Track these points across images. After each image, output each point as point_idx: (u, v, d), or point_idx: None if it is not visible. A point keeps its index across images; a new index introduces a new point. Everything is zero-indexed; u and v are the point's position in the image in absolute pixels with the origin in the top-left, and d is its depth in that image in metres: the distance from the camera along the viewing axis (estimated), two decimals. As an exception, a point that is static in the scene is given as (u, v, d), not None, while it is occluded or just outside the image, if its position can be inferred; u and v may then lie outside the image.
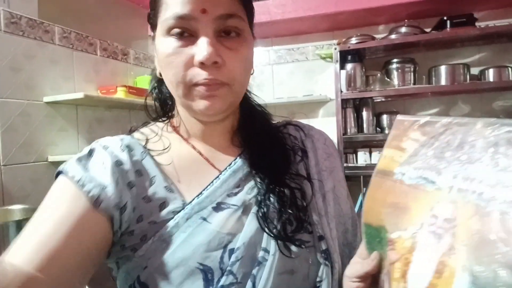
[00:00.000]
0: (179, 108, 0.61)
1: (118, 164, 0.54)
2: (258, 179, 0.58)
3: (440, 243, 0.35)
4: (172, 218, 0.52)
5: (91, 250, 0.49)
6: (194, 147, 0.61)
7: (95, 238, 0.49)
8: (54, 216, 0.49)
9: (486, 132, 0.36)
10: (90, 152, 0.55)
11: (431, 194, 0.38)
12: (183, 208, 0.53)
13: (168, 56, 0.53)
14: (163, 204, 0.53)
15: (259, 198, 0.55)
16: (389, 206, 0.42)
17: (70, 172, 0.51)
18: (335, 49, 2.03)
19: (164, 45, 0.53)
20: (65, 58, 1.85)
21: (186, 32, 0.52)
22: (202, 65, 0.51)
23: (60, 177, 0.53)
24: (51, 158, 1.73)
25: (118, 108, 2.14)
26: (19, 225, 1.29)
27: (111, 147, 0.55)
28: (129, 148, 0.57)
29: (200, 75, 0.51)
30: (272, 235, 0.53)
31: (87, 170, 0.52)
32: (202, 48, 0.50)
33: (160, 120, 0.65)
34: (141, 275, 0.50)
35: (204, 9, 0.50)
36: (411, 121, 0.43)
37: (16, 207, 1.48)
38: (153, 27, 0.57)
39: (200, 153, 0.60)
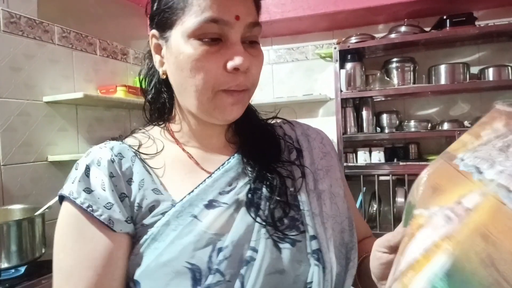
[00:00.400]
0: (181, 110, 0.61)
1: (111, 176, 0.54)
2: (249, 168, 0.58)
3: (446, 227, 0.35)
4: (162, 217, 0.53)
5: (125, 265, 0.53)
6: (188, 150, 0.61)
7: (125, 255, 0.53)
8: (84, 259, 0.51)
9: None
10: (87, 172, 0.55)
11: (471, 184, 0.36)
12: (173, 207, 0.54)
13: (197, 60, 0.51)
14: (153, 207, 0.54)
15: (249, 186, 0.56)
16: (431, 186, 0.41)
17: (78, 199, 0.52)
18: (335, 48, 2.03)
19: (189, 47, 0.51)
20: (64, 57, 1.85)
21: (214, 35, 0.51)
22: (235, 71, 0.51)
23: (68, 206, 0.54)
24: (51, 158, 1.73)
25: (118, 108, 2.14)
26: (19, 224, 1.28)
27: (103, 162, 0.55)
28: (120, 156, 0.57)
29: (232, 80, 0.52)
30: (260, 222, 0.53)
31: (91, 193, 0.53)
32: (238, 54, 0.51)
33: (157, 124, 0.65)
34: (135, 273, 0.51)
35: (238, 16, 0.51)
36: (505, 111, 0.40)
37: (16, 206, 1.48)
38: (165, 26, 0.54)
39: (191, 156, 0.60)
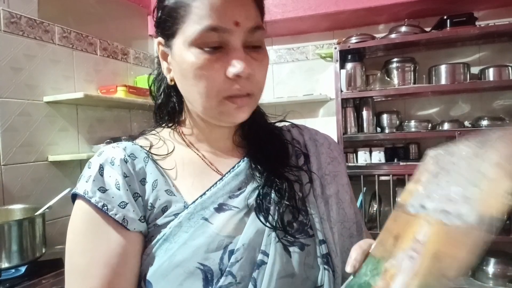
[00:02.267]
0: (190, 114, 0.61)
1: (125, 176, 0.55)
2: (257, 173, 0.59)
3: (412, 266, 0.36)
4: (175, 218, 0.54)
5: (138, 266, 0.54)
6: (198, 151, 0.61)
7: (140, 253, 0.54)
8: (99, 257, 0.52)
9: (471, 151, 0.37)
10: (101, 171, 0.55)
11: (420, 220, 0.38)
12: (185, 209, 0.54)
13: (200, 69, 0.51)
14: (165, 208, 0.55)
15: (258, 191, 0.57)
16: (393, 237, 0.42)
17: (93, 198, 0.52)
18: (335, 48, 2.03)
19: (191, 56, 0.52)
20: (65, 57, 1.85)
21: (215, 43, 0.51)
22: (237, 77, 0.51)
23: (82, 204, 0.54)
24: (52, 158, 1.73)
25: (118, 108, 2.14)
26: (20, 224, 1.29)
27: (116, 161, 0.56)
28: (132, 157, 0.57)
29: (235, 87, 0.52)
30: (270, 226, 0.54)
31: (105, 192, 0.53)
32: (238, 60, 0.51)
33: (166, 126, 0.65)
34: (147, 273, 0.52)
35: (237, 21, 0.50)
36: (434, 154, 0.43)
37: (17, 206, 1.48)
38: (168, 34, 0.55)
39: (204, 157, 0.61)
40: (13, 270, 1.31)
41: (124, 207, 0.52)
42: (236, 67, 0.50)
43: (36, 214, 1.37)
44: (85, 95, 1.69)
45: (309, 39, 2.43)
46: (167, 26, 0.55)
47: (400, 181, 1.96)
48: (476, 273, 1.76)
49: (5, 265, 1.26)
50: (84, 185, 0.54)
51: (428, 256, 0.35)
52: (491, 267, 1.72)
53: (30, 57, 1.67)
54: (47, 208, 1.39)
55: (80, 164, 1.86)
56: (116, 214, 0.52)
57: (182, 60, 0.53)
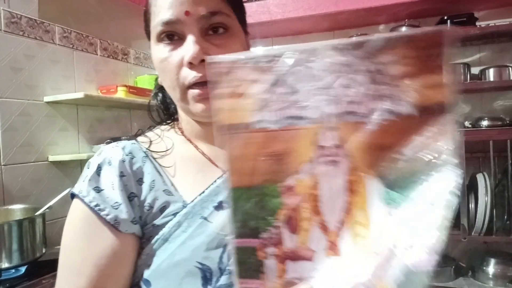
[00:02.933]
0: (180, 111, 0.62)
1: (121, 176, 0.55)
2: None
3: (339, 168, 0.38)
4: (174, 218, 0.53)
5: (131, 266, 0.54)
6: (197, 148, 0.61)
7: (131, 256, 0.54)
8: (89, 257, 0.52)
9: (331, 54, 0.37)
10: (98, 171, 0.55)
11: (306, 129, 0.38)
12: (184, 208, 0.54)
13: (162, 62, 0.54)
14: (164, 208, 0.55)
15: None
16: (266, 158, 0.40)
17: (87, 197, 0.53)
18: (336, 48, 2.03)
19: (156, 51, 0.55)
20: (65, 57, 1.85)
21: (175, 35, 0.53)
22: (191, 65, 0.52)
23: (78, 203, 0.54)
24: (52, 158, 1.73)
25: (119, 108, 2.14)
26: (20, 224, 1.29)
27: (113, 161, 0.56)
28: (131, 156, 0.58)
29: (190, 75, 0.52)
30: None
31: (100, 192, 0.54)
32: (188, 48, 0.52)
33: (165, 123, 0.66)
34: (145, 272, 0.52)
35: (187, 11, 0.51)
36: (228, 61, 0.39)
37: (17, 206, 1.49)
38: (148, 36, 0.59)
39: (204, 153, 0.61)
40: (13, 270, 1.31)
41: (117, 208, 0.53)
42: (186, 55, 0.52)
43: (36, 214, 1.37)
44: (85, 95, 1.69)
45: (310, 39, 2.43)
46: (145, 29, 0.59)
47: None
48: (476, 273, 1.76)
49: (5, 265, 1.26)
50: (80, 185, 0.55)
51: (360, 150, 0.37)
52: (491, 267, 1.72)
53: (30, 57, 1.67)
54: (47, 208, 1.39)
55: (80, 164, 1.86)
56: (108, 215, 0.52)
57: (153, 57, 0.57)
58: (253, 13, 2.16)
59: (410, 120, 0.36)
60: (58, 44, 1.82)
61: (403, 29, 1.97)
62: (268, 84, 0.39)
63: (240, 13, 0.59)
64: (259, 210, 0.41)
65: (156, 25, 0.54)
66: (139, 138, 0.62)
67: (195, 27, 0.52)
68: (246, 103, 0.40)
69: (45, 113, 1.74)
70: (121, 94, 1.96)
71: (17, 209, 1.47)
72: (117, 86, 1.98)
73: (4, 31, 1.56)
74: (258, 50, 0.40)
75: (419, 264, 0.36)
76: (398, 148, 0.37)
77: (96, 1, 2.09)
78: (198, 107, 0.54)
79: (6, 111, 1.57)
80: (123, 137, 0.63)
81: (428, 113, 0.36)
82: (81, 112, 1.92)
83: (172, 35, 0.53)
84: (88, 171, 0.56)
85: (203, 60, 0.51)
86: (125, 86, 2.00)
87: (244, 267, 0.41)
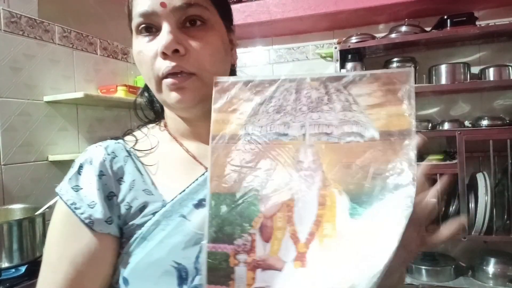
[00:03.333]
0: (165, 108, 0.62)
1: (101, 175, 0.56)
2: None
3: (314, 182, 0.43)
4: (153, 217, 0.54)
5: (109, 266, 0.54)
6: (182, 145, 0.61)
7: (107, 256, 0.54)
8: (66, 255, 0.53)
9: (315, 84, 0.44)
10: (79, 170, 0.57)
11: (288, 145, 0.44)
12: (163, 207, 0.54)
13: (138, 54, 0.55)
14: (143, 207, 0.55)
15: None
16: (248, 168, 0.44)
17: (65, 195, 0.54)
18: (335, 48, 2.03)
19: (135, 44, 0.56)
20: (65, 57, 1.85)
21: (152, 27, 0.54)
22: (165, 55, 0.52)
23: (60, 201, 0.56)
24: (52, 158, 1.73)
25: (118, 108, 2.14)
26: (20, 224, 1.29)
27: (94, 160, 0.57)
28: (113, 155, 0.58)
29: (164, 65, 0.52)
30: None
31: (77, 191, 0.55)
32: (162, 38, 0.52)
33: (152, 121, 0.67)
34: (124, 271, 0.52)
35: (163, 2, 0.51)
36: (231, 82, 0.46)
37: (17, 206, 1.48)
38: (131, 32, 0.58)
39: (188, 151, 0.60)
40: (13, 270, 1.31)
41: (93, 207, 0.53)
42: (159, 44, 0.52)
43: (36, 214, 1.37)
44: (85, 95, 1.69)
45: (309, 39, 2.43)
46: (128, 25, 0.58)
47: (400, 181, 1.96)
48: (476, 272, 1.76)
49: (5, 265, 1.26)
50: (62, 183, 0.56)
51: (332, 167, 0.43)
52: (491, 267, 1.72)
53: (30, 56, 1.67)
54: (47, 208, 1.39)
55: (80, 164, 1.86)
56: (82, 214, 0.53)
57: (133, 50, 0.57)
58: (253, 12, 2.16)
59: (373, 143, 0.42)
60: (58, 44, 1.82)
61: (403, 28, 1.97)
62: (260, 103, 0.45)
63: (222, 9, 0.58)
64: (236, 216, 0.43)
65: (134, 17, 0.54)
66: (127, 138, 0.62)
67: (171, 18, 0.52)
68: (238, 117, 0.45)
69: (45, 113, 1.74)
70: (121, 93, 1.96)
71: (17, 209, 1.47)
72: (117, 86, 1.98)
73: (4, 30, 1.56)
74: (257, 75, 0.46)
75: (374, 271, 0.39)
76: (363, 167, 0.42)
77: (96, 1, 2.09)
78: (173, 96, 0.54)
79: (6, 111, 1.56)
80: (109, 137, 0.63)
81: (389, 137, 0.42)
82: (81, 112, 1.92)
83: (150, 27, 0.54)
84: (71, 170, 0.57)
85: (176, 50, 0.51)
86: (125, 85, 2.00)
87: (214, 273, 0.42)
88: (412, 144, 0.41)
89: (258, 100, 0.45)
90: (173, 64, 0.52)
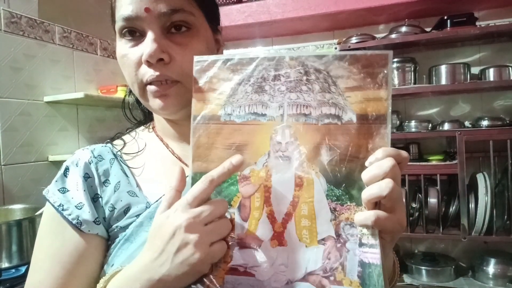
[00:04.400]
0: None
1: (86, 177, 0.56)
2: None
3: (291, 163, 0.43)
4: (137, 219, 0.54)
5: (97, 266, 0.54)
6: (168, 147, 0.61)
7: (95, 256, 0.54)
8: (54, 255, 0.53)
9: (295, 64, 0.44)
10: (65, 172, 0.57)
11: (266, 125, 0.44)
12: (147, 208, 0.54)
13: (122, 58, 0.54)
14: (127, 209, 0.55)
15: None
16: (227, 148, 0.44)
17: (51, 197, 0.55)
18: (336, 48, 2.03)
19: (118, 47, 0.55)
20: (65, 57, 1.85)
21: (136, 32, 0.53)
22: (149, 63, 0.51)
23: (47, 203, 0.56)
24: (52, 158, 1.73)
25: (119, 108, 2.13)
26: (20, 224, 1.28)
27: (80, 163, 0.57)
28: (99, 158, 0.58)
29: (148, 73, 0.52)
30: None
31: (64, 193, 0.55)
32: (146, 46, 0.51)
33: (141, 122, 0.67)
34: (109, 272, 0.52)
35: (147, 7, 0.50)
36: (210, 61, 0.46)
37: (17, 206, 1.48)
38: (115, 32, 0.58)
39: (173, 153, 0.61)
40: (13, 270, 1.31)
41: (80, 209, 0.53)
42: (144, 52, 0.51)
43: (36, 214, 1.37)
44: (85, 95, 1.69)
45: (309, 39, 2.43)
46: (112, 23, 0.58)
47: (401, 181, 1.96)
48: (476, 273, 1.76)
49: (5, 265, 1.26)
50: (50, 186, 0.56)
51: (309, 148, 0.43)
52: (491, 267, 1.72)
53: (30, 57, 1.67)
54: (47, 208, 1.38)
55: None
56: (70, 215, 0.53)
57: (116, 52, 0.56)
58: (253, 13, 2.16)
59: (350, 125, 0.43)
60: (58, 44, 1.82)
61: (403, 29, 1.97)
62: (239, 83, 0.45)
63: (209, 11, 0.57)
64: (216, 195, 0.45)
65: (117, 20, 0.53)
66: (115, 141, 0.63)
67: (155, 24, 0.51)
68: (217, 97, 0.45)
69: (45, 113, 1.74)
70: (121, 94, 1.96)
71: (17, 209, 1.47)
72: (117, 86, 1.98)
73: (4, 31, 1.56)
74: (237, 53, 0.46)
75: (369, 258, 0.41)
76: (340, 149, 0.43)
77: (96, 1, 2.09)
78: (156, 103, 0.54)
79: (6, 111, 1.56)
80: (110, 138, 0.64)
81: (366, 121, 0.42)
82: (81, 112, 1.92)
83: (133, 31, 0.53)
84: (58, 173, 0.57)
85: (161, 59, 0.51)
86: (125, 86, 1.99)
87: None
88: (387, 129, 0.42)
89: (237, 79, 0.45)
90: (157, 73, 0.51)
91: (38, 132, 1.70)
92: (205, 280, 0.42)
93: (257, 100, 0.44)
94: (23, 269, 1.32)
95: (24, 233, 1.29)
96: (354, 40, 2.05)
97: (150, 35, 0.51)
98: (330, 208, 0.43)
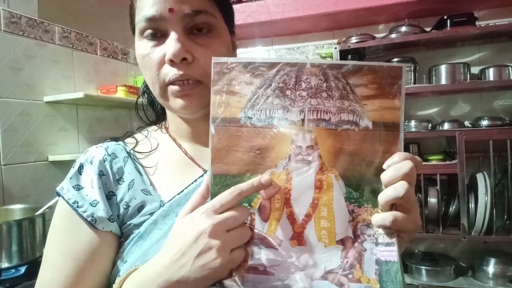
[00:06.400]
0: (165, 108, 0.63)
1: (101, 174, 0.56)
2: None
3: (311, 167, 0.45)
4: (151, 217, 0.54)
5: (109, 263, 0.55)
6: (181, 147, 0.62)
7: (108, 253, 0.55)
8: (68, 251, 0.53)
9: (315, 71, 0.45)
10: (80, 170, 0.57)
11: (287, 129, 0.45)
12: (161, 207, 0.55)
13: (143, 58, 0.54)
14: (141, 207, 0.56)
15: None
16: (248, 151, 0.46)
17: (66, 194, 0.55)
18: (335, 48, 2.03)
19: (139, 47, 0.55)
20: (65, 57, 1.85)
21: (158, 32, 0.53)
22: (172, 62, 0.52)
23: (61, 200, 0.56)
24: (52, 158, 1.73)
25: (118, 108, 2.14)
26: (20, 224, 1.28)
27: (94, 160, 0.58)
28: (113, 156, 0.59)
29: (171, 72, 0.53)
30: None
31: (79, 190, 0.55)
32: (170, 45, 0.52)
33: (153, 124, 0.67)
34: (122, 269, 0.53)
35: (171, 8, 0.51)
36: (231, 63, 0.46)
37: (17, 206, 1.48)
38: (133, 32, 0.58)
39: (186, 153, 0.61)
40: (13, 270, 1.31)
41: (95, 206, 0.54)
42: (167, 52, 0.52)
43: (36, 214, 1.37)
44: (85, 95, 1.69)
45: (309, 39, 2.43)
46: (130, 24, 0.58)
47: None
48: (476, 272, 1.76)
49: (5, 265, 1.26)
50: (63, 183, 0.57)
51: (328, 153, 0.45)
52: (491, 267, 1.72)
53: (30, 57, 1.67)
54: (47, 208, 1.39)
55: (80, 164, 1.86)
56: (85, 212, 0.53)
57: (136, 52, 0.57)
58: (253, 13, 2.16)
59: (367, 132, 0.45)
60: (58, 44, 1.82)
61: (403, 28, 1.97)
62: (259, 87, 0.46)
63: (227, 14, 0.58)
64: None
65: (139, 21, 0.53)
66: (127, 140, 0.63)
67: (179, 25, 0.52)
68: (238, 100, 0.46)
69: (45, 113, 1.74)
70: (121, 94, 1.96)
71: (17, 209, 1.47)
72: (117, 86, 1.98)
73: (4, 31, 1.56)
74: (258, 57, 0.46)
75: (386, 256, 0.43)
76: (358, 154, 0.45)
77: (96, 1, 2.09)
78: (178, 102, 0.54)
79: (5, 111, 1.56)
80: (110, 138, 0.64)
81: (381, 128, 0.45)
82: (81, 112, 1.92)
83: (155, 31, 0.53)
84: (72, 170, 0.58)
85: (184, 59, 0.51)
86: (125, 86, 2.00)
87: None
88: (400, 136, 0.45)
89: (258, 83, 0.46)
90: (181, 72, 0.52)
91: (38, 132, 1.70)
92: (225, 282, 0.44)
93: (278, 104, 0.45)
94: (23, 269, 1.32)
95: (24, 233, 1.29)
96: (354, 40, 2.05)
97: (173, 35, 0.52)
98: (348, 210, 0.45)
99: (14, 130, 1.60)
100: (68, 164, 1.79)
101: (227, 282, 0.43)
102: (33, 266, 1.34)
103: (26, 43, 1.65)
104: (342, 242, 0.45)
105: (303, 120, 0.45)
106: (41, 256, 1.34)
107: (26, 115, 1.65)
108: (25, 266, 1.32)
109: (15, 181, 1.59)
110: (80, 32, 1.94)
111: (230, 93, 0.46)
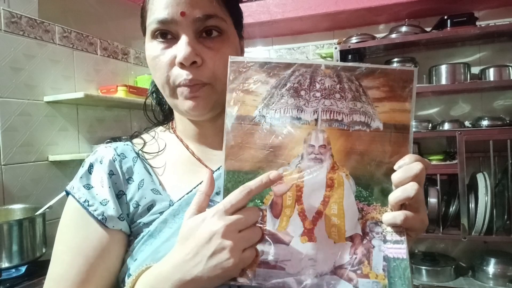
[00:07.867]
0: (173, 109, 0.63)
1: (111, 174, 0.58)
2: None
3: (323, 165, 0.47)
4: (160, 216, 0.55)
5: (118, 260, 0.56)
6: (188, 148, 0.63)
7: (118, 251, 0.56)
8: (78, 249, 0.54)
9: (330, 72, 0.47)
10: (90, 169, 0.59)
11: (300, 129, 0.47)
12: (170, 206, 0.56)
13: (154, 59, 0.55)
14: (151, 206, 0.57)
15: None
16: (261, 148, 0.47)
17: (76, 193, 0.56)
18: (336, 48, 2.03)
19: (150, 48, 0.56)
20: (65, 57, 1.85)
21: (169, 34, 0.54)
22: (182, 65, 0.53)
23: (70, 199, 0.57)
24: (52, 158, 1.73)
25: (119, 108, 2.14)
26: (20, 224, 1.29)
27: (104, 160, 0.59)
28: (122, 156, 0.60)
29: (181, 75, 0.53)
30: None
31: (89, 189, 0.57)
32: (180, 48, 0.52)
33: (160, 125, 0.68)
34: (131, 267, 0.54)
35: (183, 12, 0.52)
36: (247, 62, 0.48)
37: (17, 206, 1.49)
38: (144, 33, 0.59)
39: (193, 154, 0.62)
40: (13, 270, 1.31)
41: (105, 205, 0.55)
42: (178, 55, 0.52)
43: (36, 214, 1.37)
44: (85, 95, 1.69)
45: (309, 39, 2.43)
46: (141, 26, 0.59)
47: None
48: (476, 272, 1.76)
49: (5, 265, 1.26)
50: (73, 182, 0.58)
51: (340, 153, 0.47)
52: (491, 267, 1.72)
53: (30, 57, 1.67)
54: (47, 208, 1.39)
55: (80, 164, 1.85)
56: (95, 211, 0.54)
57: (146, 54, 0.57)
58: (253, 12, 2.16)
59: (378, 133, 0.47)
60: (58, 44, 1.82)
61: (403, 28, 1.97)
62: (275, 86, 0.47)
63: (236, 18, 0.59)
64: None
65: (151, 23, 0.54)
66: (134, 140, 0.64)
67: (190, 28, 0.53)
68: (254, 99, 0.47)
69: (45, 113, 1.74)
70: (121, 94, 1.96)
71: (17, 209, 1.47)
72: (117, 86, 1.98)
73: (4, 31, 1.56)
74: (274, 58, 0.49)
75: (394, 253, 0.45)
76: (368, 154, 0.47)
77: (96, 1, 2.09)
78: (187, 104, 0.55)
79: (6, 111, 1.56)
80: (123, 137, 0.65)
81: (391, 129, 0.46)
82: (81, 112, 1.92)
83: (166, 34, 0.54)
84: (81, 170, 0.59)
85: (194, 62, 0.52)
86: (125, 86, 2.00)
87: None
88: (410, 138, 0.46)
89: (273, 83, 0.47)
90: (190, 76, 0.53)
91: (38, 132, 1.70)
92: (238, 279, 0.45)
93: (293, 104, 0.47)
94: (23, 269, 1.32)
95: (24, 233, 1.29)
96: (354, 40, 2.05)
97: (184, 38, 0.53)
98: (358, 208, 0.47)
99: (14, 130, 1.60)
100: (68, 164, 1.79)
101: (238, 277, 0.45)
102: (33, 266, 1.34)
103: (26, 43, 1.65)
104: (351, 239, 0.46)
105: (316, 120, 0.46)
106: (41, 256, 1.35)
107: (26, 115, 1.65)
108: (25, 266, 1.32)
109: (15, 181, 1.59)
110: (80, 32, 1.94)
111: (246, 92, 0.47)
